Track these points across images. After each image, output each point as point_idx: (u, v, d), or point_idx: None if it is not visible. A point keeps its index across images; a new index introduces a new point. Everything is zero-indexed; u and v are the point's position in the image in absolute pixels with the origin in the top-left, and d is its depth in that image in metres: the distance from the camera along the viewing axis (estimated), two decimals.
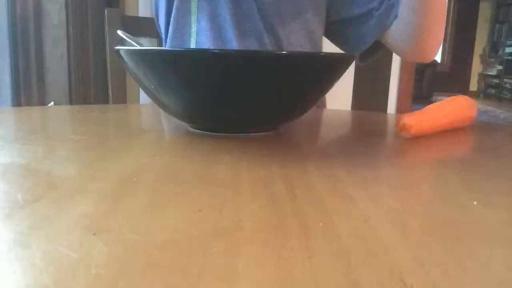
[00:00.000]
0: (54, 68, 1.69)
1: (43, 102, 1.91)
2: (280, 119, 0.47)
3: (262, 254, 0.19)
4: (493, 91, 7.75)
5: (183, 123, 0.50)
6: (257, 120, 0.45)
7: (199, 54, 0.39)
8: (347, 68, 0.44)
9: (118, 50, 0.41)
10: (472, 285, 0.17)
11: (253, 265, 0.18)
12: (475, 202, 0.26)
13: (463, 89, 8.28)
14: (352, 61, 0.44)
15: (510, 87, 7.09)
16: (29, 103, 2.01)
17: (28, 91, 1.92)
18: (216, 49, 0.37)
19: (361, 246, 0.20)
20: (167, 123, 0.52)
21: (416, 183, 0.31)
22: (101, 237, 0.20)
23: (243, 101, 0.41)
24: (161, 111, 0.60)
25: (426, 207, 0.25)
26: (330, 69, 0.43)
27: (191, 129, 0.47)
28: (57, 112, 0.60)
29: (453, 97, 0.52)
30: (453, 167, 0.36)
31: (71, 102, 1.69)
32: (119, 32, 0.59)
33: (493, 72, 7.77)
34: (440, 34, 0.72)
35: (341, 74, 0.44)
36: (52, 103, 1.81)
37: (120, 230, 0.21)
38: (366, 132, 0.53)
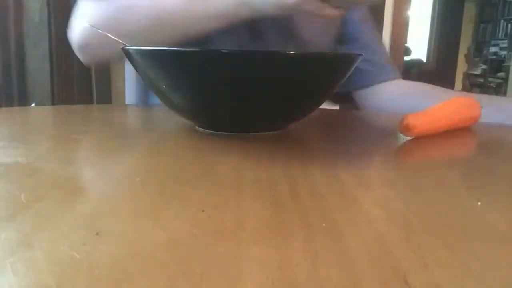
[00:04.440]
0: (36, 69, 1.66)
1: (24, 104, 1.89)
2: (287, 119, 0.47)
3: (265, 255, 0.19)
4: (478, 90, 7.80)
5: (187, 123, 0.50)
6: (264, 120, 0.45)
7: (209, 54, 0.40)
8: (353, 67, 0.44)
9: (128, 49, 0.41)
10: (476, 286, 0.17)
11: (256, 265, 0.18)
12: (479, 203, 0.26)
13: (448, 88, 8.32)
14: (358, 61, 0.44)
15: (494, 86, 7.14)
16: (9, 105, 1.99)
17: (8, 92, 1.90)
18: (224, 49, 0.37)
19: (365, 246, 0.20)
20: (170, 123, 0.52)
21: (420, 184, 0.30)
22: (104, 237, 0.20)
23: (250, 101, 0.41)
24: (164, 111, 0.60)
25: (430, 207, 0.25)
26: (337, 69, 0.43)
27: (198, 129, 0.47)
28: (58, 112, 0.60)
29: (456, 97, 0.52)
30: (456, 167, 0.36)
31: (53, 103, 1.66)
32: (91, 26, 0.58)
33: (478, 71, 7.83)
34: None
35: (347, 74, 0.44)
36: (34, 104, 1.79)
37: (123, 230, 0.21)
38: (369, 132, 0.53)
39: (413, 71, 6.97)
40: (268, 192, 0.27)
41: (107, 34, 0.55)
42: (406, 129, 0.46)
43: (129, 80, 0.87)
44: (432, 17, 8.34)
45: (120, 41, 0.52)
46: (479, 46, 8.09)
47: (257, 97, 0.41)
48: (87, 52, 0.59)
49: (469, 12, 8.27)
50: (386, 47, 0.83)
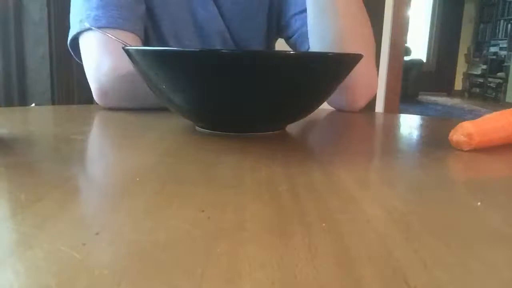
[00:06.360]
0: (36, 69, 1.66)
1: (24, 104, 1.89)
2: (287, 119, 0.47)
3: (265, 254, 0.19)
4: (477, 90, 7.82)
5: (188, 123, 0.50)
6: (264, 119, 0.45)
7: (209, 54, 0.40)
8: (354, 67, 0.44)
9: (128, 49, 0.41)
10: (476, 286, 0.17)
11: (256, 265, 0.18)
12: (479, 203, 0.26)
13: (448, 88, 8.34)
14: (359, 60, 0.44)
15: (494, 86, 7.15)
16: (9, 105, 1.99)
17: (8, 92, 1.90)
18: (224, 49, 0.37)
19: (364, 247, 0.20)
20: (171, 122, 0.52)
21: (420, 184, 0.30)
22: (104, 237, 0.20)
23: (250, 101, 0.41)
24: (164, 111, 0.60)
25: (430, 207, 0.25)
26: (337, 68, 0.43)
27: (198, 129, 0.47)
28: (58, 112, 0.60)
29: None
30: (456, 167, 0.36)
31: (53, 103, 1.65)
32: (86, 25, 0.59)
33: (478, 71, 7.84)
34: (372, 79, 0.67)
35: (348, 73, 0.44)
36: (33, 104, 1.79)
37: (122, 230, 0.21)
38: (369, 132, 0.53)
39: (413, 71, 6.98)
40: (268, 192, 0.27)
41: (113, 37, 0.55)
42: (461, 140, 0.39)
43: None
44: (432, 17, 8.33)
45: (122, 41, 0.52)
46: (479, 46, 8.11)
47: (257, 97, 0.41)
48: (106, 100, 0.62)
49: (469, 12, 8.29)
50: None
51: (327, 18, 0.64)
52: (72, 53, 0.67)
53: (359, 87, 0.65)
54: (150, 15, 0.69)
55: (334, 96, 0.68)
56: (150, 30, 0.70)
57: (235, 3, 0.75)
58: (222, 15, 0.74)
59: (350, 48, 0.61)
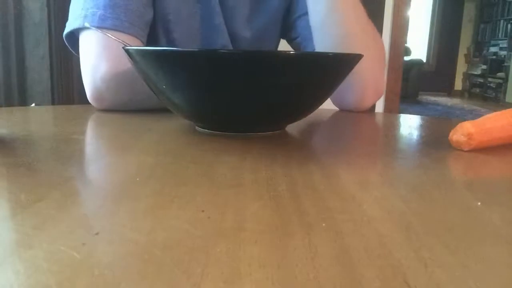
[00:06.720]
0: (36, 69, 1.66)
1: (24, 104, 1.89)
2: (287, 119, 0.47)
3: (265, 254, 0.19)
4: (477, 90, 7.84)
5: (187, 123, 0.50)
6: (264, 120, 0.45)
7: (209, 54, 0.40)
8: (353, 67, 0.44)
9: (128, 49, 0.41)
10: (476, 286, 0.17)
11: (256, 265, 0.18)
12: (479, 203, 0.26)
13: (448, 88, 8.35)
14: (359, 60, 0.44)
15: (494, 86, 7.16)
16: (9, 105, 1.99)
17: (8, 92, 1.90)
18: (224, 50, 0.37)
19: (364, 246, 0.20)
20: (171, 123, 0.52)
21: (420, 184, 0.30)
22: (104, 237, 0.20)
23: (250, 101, 0.41)
24: (164, 111, 0.60)
25: (430, 207, 0.25)
26: (337, 68, 0.43)
27: (198, 129, 0.47)
28: (58, 112, 0.60)
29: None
30: (456, 167, 0.36)
31: (53, 103, 1.65)
32: (87, 24, 0.58)
33: (478, 71, 7.85)
34: (379, 82, 0.69)
35: (348, 73, 0.44)
36: (33, 104, 1.79)
37: (123, 230, 0.21)
38: (370, 133, 0.53)
39: (413, 71, 6.99)
40: (268, 192, 0.27)
41: (112, 37, 0.55)
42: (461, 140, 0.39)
43: None
44: (432, 17, 8.33)
45: (121, 41, 0.52)
46: (479, 46, 8.11)
47: (257, 97, 0.41)
48: (101, 104, 0.62)
49: (469, 12, 8.29)
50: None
51: (333, 25, 0.65)
52: (68, 46, 0.65)
53: (368, 88, 0.67)
54: (163, 21, 0.68)
55: (341, 95, 0.69)
56: (162, 35, 0.69)
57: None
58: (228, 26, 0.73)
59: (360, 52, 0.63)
